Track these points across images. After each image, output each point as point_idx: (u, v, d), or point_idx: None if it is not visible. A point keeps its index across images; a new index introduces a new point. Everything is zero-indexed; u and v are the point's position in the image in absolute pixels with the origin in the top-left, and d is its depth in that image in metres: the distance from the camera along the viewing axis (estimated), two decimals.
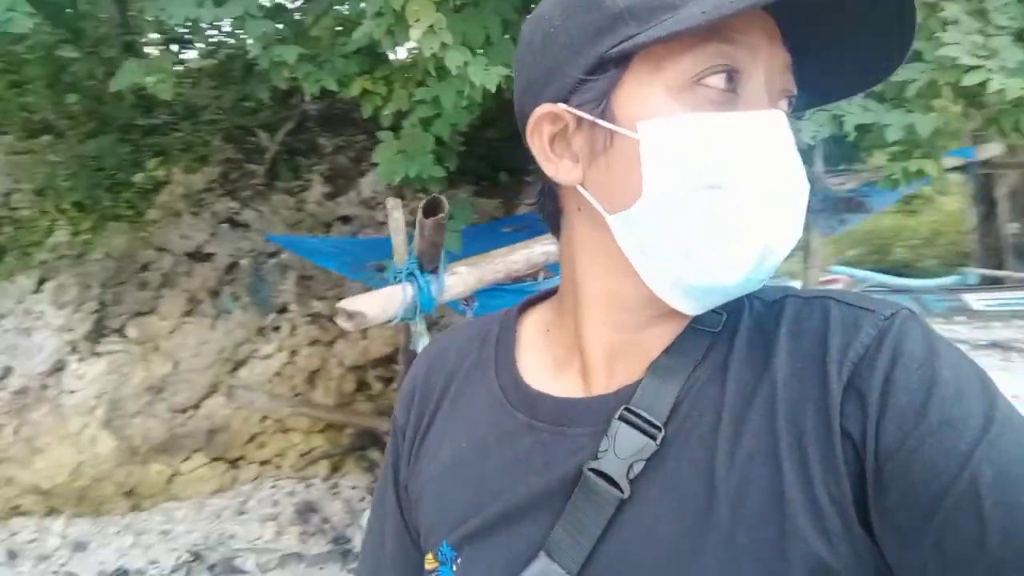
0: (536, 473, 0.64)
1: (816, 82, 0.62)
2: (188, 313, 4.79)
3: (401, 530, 0.78)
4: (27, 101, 4.92)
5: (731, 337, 0.63)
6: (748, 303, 0.65)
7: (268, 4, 4.23)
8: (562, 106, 0.62)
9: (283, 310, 5.01)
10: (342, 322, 2.24)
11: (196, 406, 4.80)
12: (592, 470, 0.60)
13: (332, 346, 5.08)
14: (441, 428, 0.75)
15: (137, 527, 4.51)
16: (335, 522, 4.59)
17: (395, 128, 3.30)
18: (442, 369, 0.78)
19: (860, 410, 0.53)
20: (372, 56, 3.41)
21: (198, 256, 4.89)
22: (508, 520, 0.64)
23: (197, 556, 4.24)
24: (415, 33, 2.47)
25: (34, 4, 3.53)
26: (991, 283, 8.18)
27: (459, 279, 2.44)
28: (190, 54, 5.76)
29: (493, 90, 2.53)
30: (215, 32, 5.22)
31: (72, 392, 4.42)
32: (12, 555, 4.17)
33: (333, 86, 3.33)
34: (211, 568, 4.16)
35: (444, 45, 2.44)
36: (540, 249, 2.72)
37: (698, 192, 0.55)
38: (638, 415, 0.61)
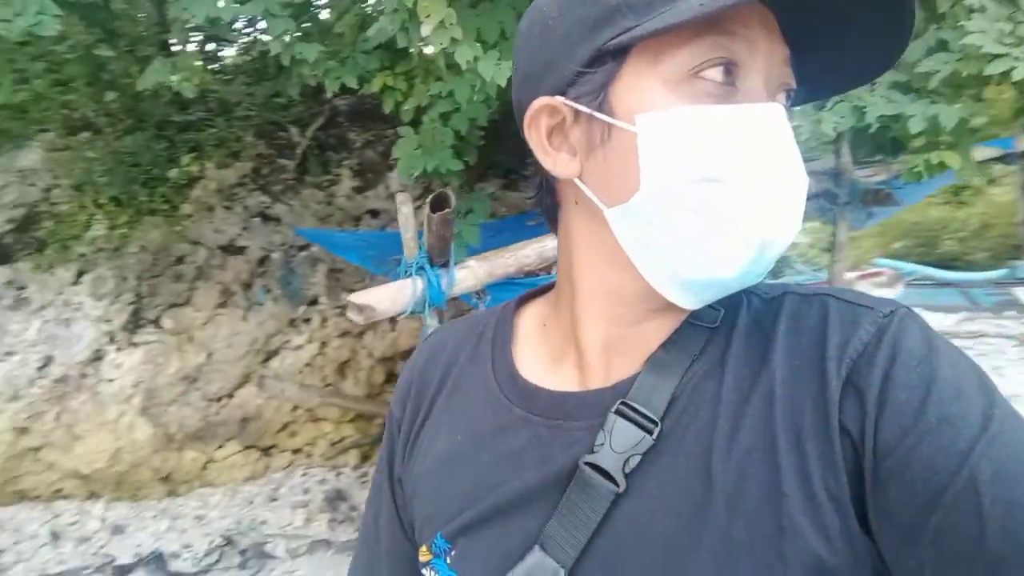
0: (532, 466, 0.64)
1: (816, 76, 0.62)
2: (221, 305, 4.91)
3: (395, 524, 0.78)
4: (68, 99, 5.09)
5: (729, 333, 0.63)
6: (746, 299, 0.65)
7: (296, 1, 4.32)
8: (559, 99, 0.62)
9: (313, 302, 5.10)
10: (352, 315, 2.29)
11: (230, 395, 4.92)
12: (588, 464, 0.60)
13: (362, 338, 5.16)
14: (437, 422, 0.75)
15: (173, 512, 4.66)
16: (364, 510, 4.65)
17: (415, 123, 3.33)
18: (439, 363, 0.78)
19: (859, 407, 0.53)
20: (392, 52, 3.45)
21: (231, 249, 5.00)
22: (503, 513, 0.64)
23: (229, 541, 4.36)
24: (426, 29, 2.50)
25: (68, 6, 3.66)
26: None
27: (469, 273, 2.47)
28: (228, 51, 5.91)
29: (504, 85, 2.55)
30: (251, 29, 5.33)
31: (110, 381, 4.56)
32: (55, 536, 4.34)
33: (353, 83, 3.38)
34: (242, 553, 4.27)
35: (454, 40, 2.46)
36: (552, 243, 2.72)
37: (696, 185, 0.55)
38: (634, 409, 0.61)
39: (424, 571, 0.69)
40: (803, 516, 0.52)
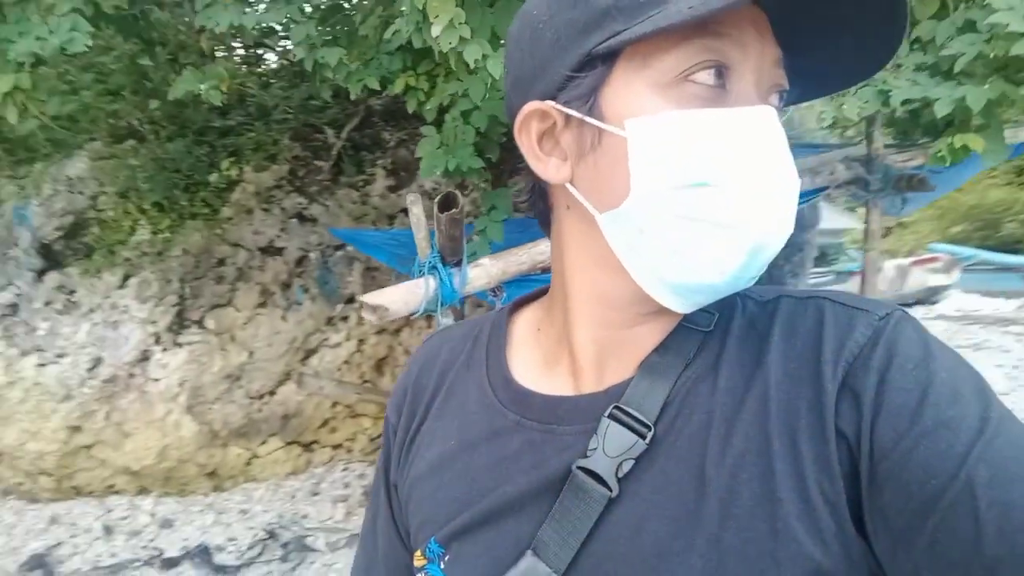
0: (525, 471, 0.64)
1: (809, 76, 0.62)
2: (261, 305, 5.04)
3: (391, 529, 0.78)
4: (114, 108, 5.27)
5: (723, 336, 0.62)
6: (741, 303, 0.65)
7: (325, 4, 4.39)
8: (550, 103, 0.61)
9: (350, 300, 5.19)
10: (366, 315, 2.33)
11: (271, 393, 5.05)
12: (581, 468, 0.60)
13: (398, 334, 5.24)
14: (432, 427, 0.74)
15: (218, 506, 4.80)
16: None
17: (439, 123, 3.36)
18: (434, 368, 0.78)
19: (855, 410, 0.52)
20: (415, 52, 3.49)
21: (270, 250, 5.12)
22: (496, 517, 0.64)
23: (271, 534, 4.48)
24: (435, 29, 2.52)
25: (106, 19, 3.79)
26: None
27: (482, 271, 2.49)
28: (271, 56, 6.05)
29: None
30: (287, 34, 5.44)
31: (157, 380, 4.72)
32: (108, 530, 4.52)
33: (375, 84, 3.43)
34: (284, 546, 4.39)
35: (463, 39, 2.48)
36: None
37: (686, 190, 0.55)
38: (628, 414, 0.60)
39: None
40: (798, 520, 0.52)
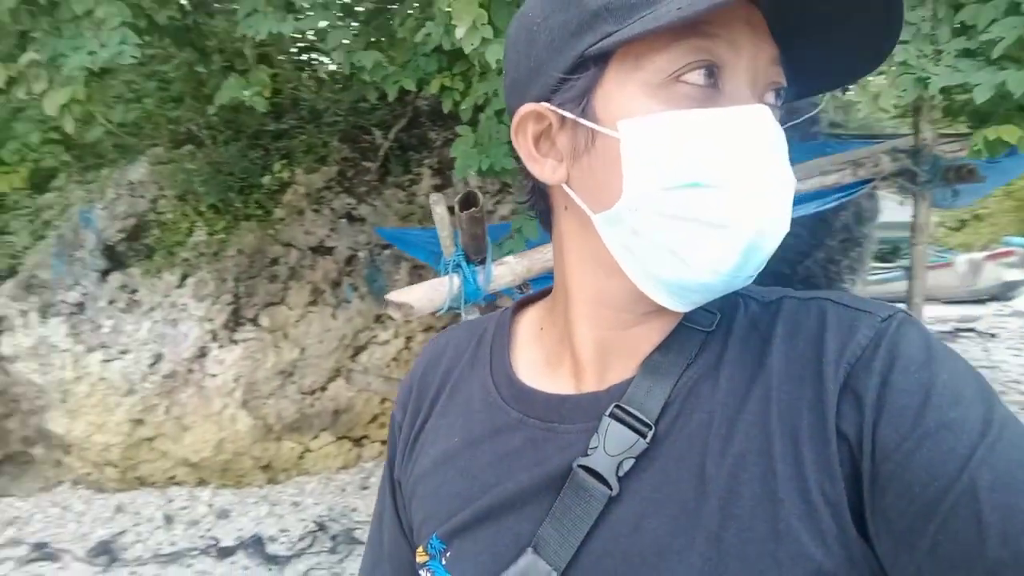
0: (526, 469, 0.65)
1: (809, 72, 0.61)
2: (312, 303, 5.18)
3: (396, 526, 0.78)
4: (175, 115, 5.49)
5: (725, 337, 0.63)
6: (744, 303, 0.65)
7: (368, 8, 4.48)
8: (545, 105, 0.61)
9: None
10: (392, 313, 2.39)
11: (323, 388, 5.18)
12: (581, 466, 0.60)
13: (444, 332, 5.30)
14: (436, 425, 0.75)
15: (272, 498, 4.97)
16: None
17: (474, 122, 3.40)
18: (439, 367, 0.79)
19: (856, 411, 0.52)
20: (450, 53, 3.53)
21: (320, 250, 5.25)
22: (497, 514, 0.65)
23: (321, 526, 4.62)
24: (460, 31, 2.56)
25: (159, 29, 3.96)
26: None
27: (507, 269, 2.51)
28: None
29: None
30: None
31: (213, 376, 4.91)
32: (168, 520, 4.73)
33: (411, 86, 3.49)
34: (333, 538, 4.51)
35: (485, 40, 2.51)
36: None
37: (678, 191, 0.55)
38: (629, 413, 0.61)
39: (421, 572, 0.69)
40: (799, 521, 0.52)
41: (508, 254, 2.75)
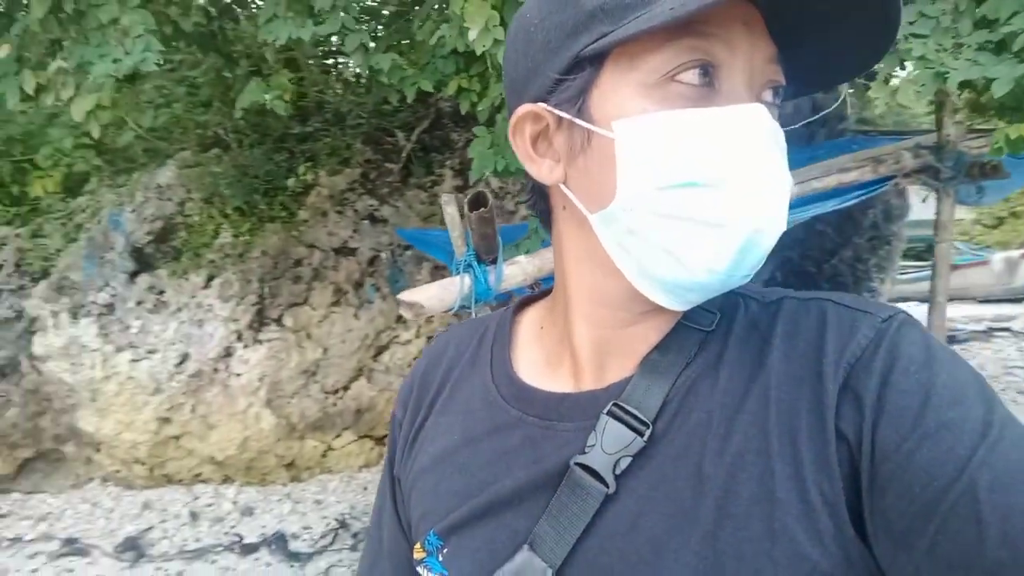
0: (524, 466, 0.65)
1: (809, 70, 0.61)
2: (335, 303, 5.23)
3: (395, 523, 0.79)
4: (203, 119, 5.60)
5: (725, 336, 0.63)
6: (744, 303, 0.65)
7: (389, 12, 4.53)
8: (542, 105, 0.62)
9: None
10: (404, 312, 2.42)
11: (345, 388, 5.24)
12: (578, 464, 0.60)
13: None
14: (436, 422, 0.76)
15: (296, 496, 5.03)
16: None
17: (491, 123, 3.42)
18: (441, 365, 0.79)
19: (856, 412, 0.53)
20: (466, 55, 3.55)
21: (343, 251, 5.31)
22: (494, 511, 0.65)
23: (343, 524, 4.67)
24: (472, 33, 2.58)
25: (184, 36, 4.04)
26: None
27: (518, 268, 2.53)
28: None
29: None
30: None
31: (238, 375, 4.98)
32: (194, 516, 4.82)
33: (429, 87, 3.52)
34: (354, 536, 4.56)
35: (497, 42, 2.53)
36: None
37: (672, 190, 0.55)
38: (627, 411, 0.61)
39: (419, 569, 0.70)
40: (796, 520, 0.52)
41: (524, 254, 2.77)
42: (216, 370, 4.97)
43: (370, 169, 5.51)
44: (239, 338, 5.02)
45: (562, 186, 0.64)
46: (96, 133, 3.30)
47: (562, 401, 0.67)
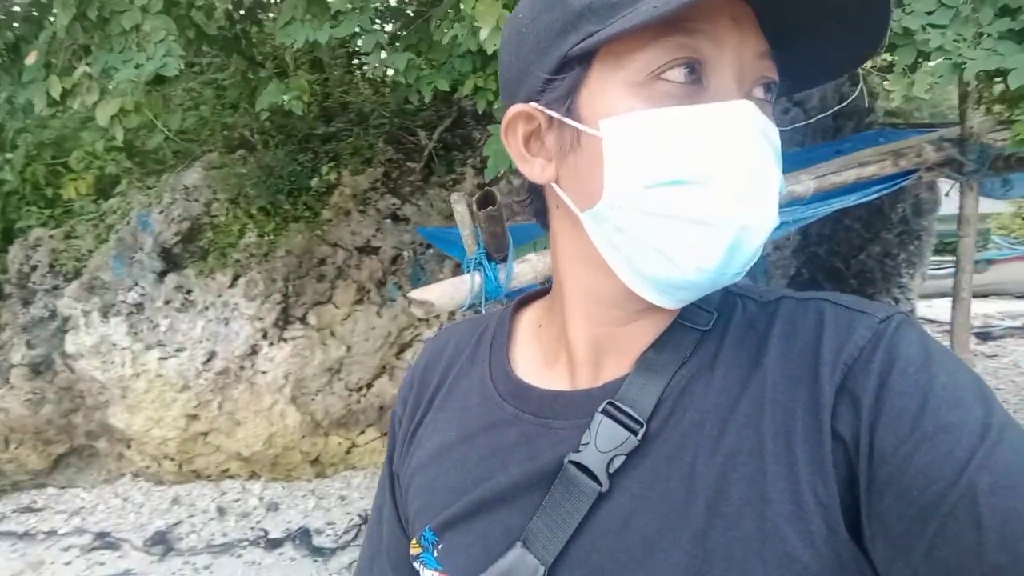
0: (519, 463, 0.65)
1: (804, 65, 0.61)
2: (358, 302, 5.28)
3: (394, 519, 0.79)
4: (229, 121, 5.70)
5: (721, 336, 0.63)
6: (741, 303, 0.65)
7: (409, 12, 4.56)
8: (533, 105, 0.62)
9: None
10: (415, 310, 2.44)
11: (368, 385, 5.29)
12: (572, 462, 0.61)
13: None
14: (434, 418, 0.76)
15: (320, 491, 5.10)
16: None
17: None
18: (440, 362, 0.80)
19: (853, 413, 0.52)
20: (482, 54, 3.57)
21: (366, 250, 5.36)
22: (488, 508, 0.65)
23: (366, 520, 4.71)
24: (483, 33, 2.60)
25: (208, 39, 4.11)
26: None
27: (528, 267, 2.54)
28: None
29: None
30: None
31: (264, 373, 5.06)
32: (221, 511, 4.91)
33: (445, 87, 3.55)
34: None
35: None
36: None
37: (660, 188, 0.55)
38: (621, 410, 0.61)
39: (415, 564, 0.71)
40: (787, 522, 0.52)
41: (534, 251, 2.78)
42: (242, 368, 5.05)
43: (392, 168, 5.55)
44: (264, 336, 5.10)
45: (554, 185, 0.64)
46: (120, 137, 3.38)
47: (557, 399, 0.67)
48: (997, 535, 0.44)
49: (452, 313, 2.51)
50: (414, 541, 0.71)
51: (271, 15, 4.86)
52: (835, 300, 0.60)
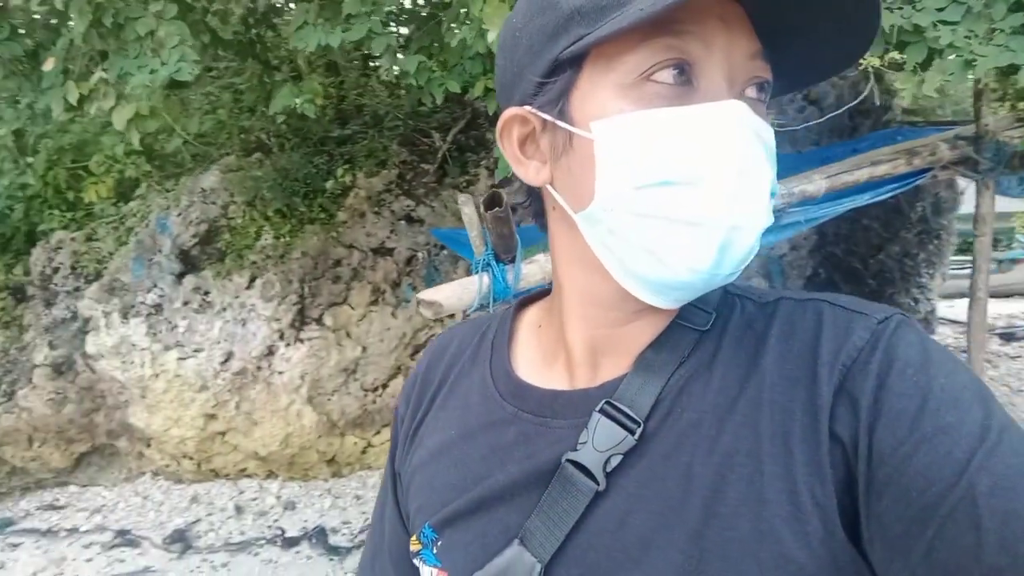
0: (517, 461, 0.66)
1: (798, 65, 0.61)
2: (373, 303, 5.32)
3: (395, 517, 0.80)
4: (246, 124, 5.76)
5: (720, 336, 0.63)
6: (740, 303, 0.65)
7: (422, 15, 4.58)
8: (527, 108, 0.63)
9: None
10: (423, 311, 2.47)
11: (384, 385, 5.32)
12: (570, 461, 0.61)
13: None
14: (436, 417, 0.77)
15: (336, 491, 5.15)
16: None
17: None
18: (443, 361, 0.81)
19: (852, 414, 0.52)
20: (492, 56, 3.58)
21: (381, 251, 5.39)
22: (487, 506, 0.66)
23: None
24: (491, 35, 2.61)
25: (223, 44, 4.16)
26: None
27: (537, 268, 2.55)
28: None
29: None
30: None
31: (280, 373, 5.11)
32: (239, 510, 4.97)
33: (456, 88, 3.56)
34: None
35: None
36: None
37: (650, 189, 0.55)
38: (618, 409, 0.61)
39: (415, 561, 0.71)
40: (783, 522, 0.52)
41: (543, 252, 2.79)
42: (259, 368, 5.10)
43: (407, 170, 5.59)
44: (281, 337, 5.15)
45: (549, 187, 0.65)
46: (136, 141, 3.43)
47: (556, 398, 0.68)
48: (996, 537, 0.44)
49: (465, 313, 2.53)
50: (414, 538, 0.72)
51: (286, 18, 4.91)
52: (833, 301, 0.60)
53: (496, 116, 0.65)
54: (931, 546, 0.47)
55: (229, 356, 5.07)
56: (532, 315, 0.79)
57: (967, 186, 3.63)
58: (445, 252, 5.38)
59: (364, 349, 5.26)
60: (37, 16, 3.82)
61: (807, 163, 3.61)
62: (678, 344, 0.63)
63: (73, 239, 5.45)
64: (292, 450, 5.19)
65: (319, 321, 5.27)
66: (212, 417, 5.09)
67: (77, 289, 5.30)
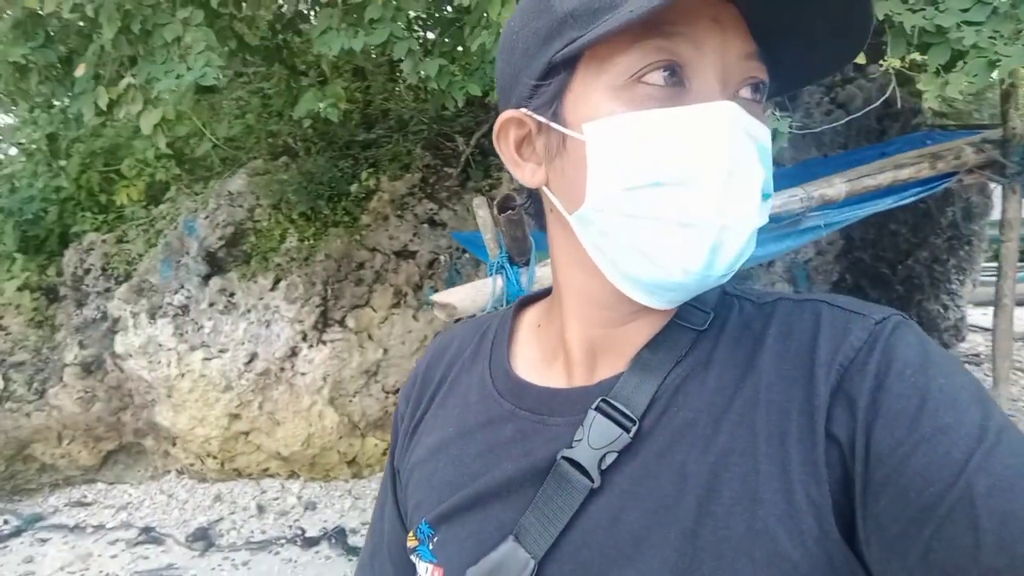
0: (514, 459, 0.66)
1: (795, 65, 0.61)
2: (395, 305, 5.35)
3: (395, 514, 0.81)
4: (274, 128, 5.85)
5: (717, 336, 0.63)
6: (738, 304, 0.66)
7: (444, 19, 4.62)
8: (523, 111, 0.64)
9: None
10: (437, 312, 2.49)
11: None
12: (565, 458, 0.62)
13: None
14: (435, 414, 0.78)
15: (356, 492, 5.18)
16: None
17: None
18: (443, 360, 0.82)
19: (849, 415, 0.52)
20: None
21: (403, 254, 5.43)
22: (482, 502, 0.67)
23: None
24: None
25: (249, 49, 4.23)
26: None
27: (550, 270, 2.56)
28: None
29: None
30: None
31: (303, 374, 5.16)
32: (261, 509, 5.02)
33: (477, 91, 3.59)
34: None
35: None
36: None
37: (640, 191, 0.56)
38: (614, 407, 0.62)
39: (412, 557, 0.72)
40: (778, 521, 0.52)
41: None
42: (282, 369, 5.16)
43: (430, 174, 5.63)
44: (304, 338, 5.20)
45: (544, 188, 0.66)
46: (163, 145, 3.50)
47: (554, 396, 0.69)
48: (994, 537, 0.44)
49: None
50: (411, 534, 0.73)
51: (313, 23, 4.97)
52: (832, 301, 0.60)
53: None
54: (929, 546, 0.47)
55: (253, 357, 5.13)
56: (532, 315, 0.81)
57: (995, 190, 3.56)
58: (467, 255, 5.40)
59: (386, 351, 5.30)
60: (69, 22, 3.91)
61: (835, 167, 3.57)
62: (675, 343, 0.64)
63: (104, 241, 5.56)
64: (313, 451, 5.24)
65: (342, 323, 5.31)
66: (236, 417, 5.16)
67: (107, 290, 5.40)
